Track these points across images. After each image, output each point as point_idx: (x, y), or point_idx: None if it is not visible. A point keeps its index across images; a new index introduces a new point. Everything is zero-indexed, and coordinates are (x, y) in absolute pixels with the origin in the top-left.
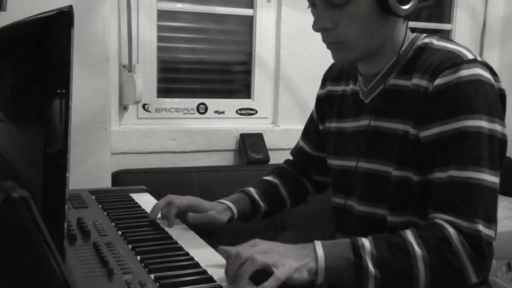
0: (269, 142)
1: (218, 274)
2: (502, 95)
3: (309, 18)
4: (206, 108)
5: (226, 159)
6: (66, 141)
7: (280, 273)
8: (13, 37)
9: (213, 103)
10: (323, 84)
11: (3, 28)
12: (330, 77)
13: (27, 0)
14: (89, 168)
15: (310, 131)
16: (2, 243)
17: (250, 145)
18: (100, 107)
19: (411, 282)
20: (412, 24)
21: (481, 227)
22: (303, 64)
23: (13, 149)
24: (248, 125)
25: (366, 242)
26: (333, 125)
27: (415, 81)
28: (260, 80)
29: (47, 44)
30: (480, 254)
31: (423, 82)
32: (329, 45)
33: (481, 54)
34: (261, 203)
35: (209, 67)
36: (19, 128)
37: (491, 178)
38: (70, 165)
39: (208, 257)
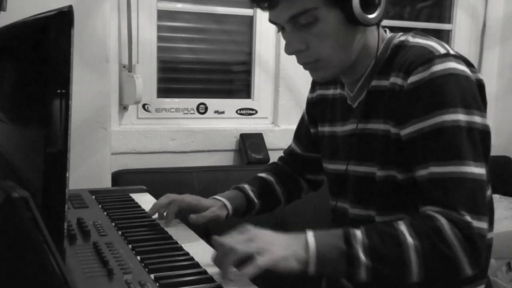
0: (269, 142)
1: (218, 274)
2: (480, 85)
3: None
4: (206, 108)
5: (226, 159)
6: (66, 141)
7: (261, 260)
8: (13, 37)
9: (213, 103)
10: (313, 87)
11: (3, 28)
12: None
13: (27, 0)
14: (89, 168)
15: (301, 132)
16: (2, 243)
17: (250, 145)
18: (100, 107)
19: (404, 272)
20: (412, 24)
21: (469, 219)
22: None
23: (13, 149)
24: (248, 125)
25: (357, 232)
26: (326, 129)
27: (392, 79)
28: (260, 80)
29: (47, 44)
30: (473, 245)
31: (398, 80)
32: (305, 66)
33: (481, 54)
34: (256, 201)
35: (209, 67)
36: (19, 128)
37: (477, 170)
38: (70, 165)
39: (208, 257)
